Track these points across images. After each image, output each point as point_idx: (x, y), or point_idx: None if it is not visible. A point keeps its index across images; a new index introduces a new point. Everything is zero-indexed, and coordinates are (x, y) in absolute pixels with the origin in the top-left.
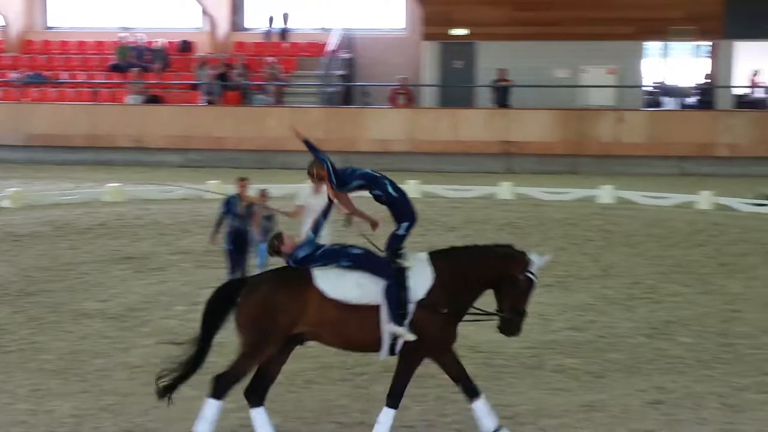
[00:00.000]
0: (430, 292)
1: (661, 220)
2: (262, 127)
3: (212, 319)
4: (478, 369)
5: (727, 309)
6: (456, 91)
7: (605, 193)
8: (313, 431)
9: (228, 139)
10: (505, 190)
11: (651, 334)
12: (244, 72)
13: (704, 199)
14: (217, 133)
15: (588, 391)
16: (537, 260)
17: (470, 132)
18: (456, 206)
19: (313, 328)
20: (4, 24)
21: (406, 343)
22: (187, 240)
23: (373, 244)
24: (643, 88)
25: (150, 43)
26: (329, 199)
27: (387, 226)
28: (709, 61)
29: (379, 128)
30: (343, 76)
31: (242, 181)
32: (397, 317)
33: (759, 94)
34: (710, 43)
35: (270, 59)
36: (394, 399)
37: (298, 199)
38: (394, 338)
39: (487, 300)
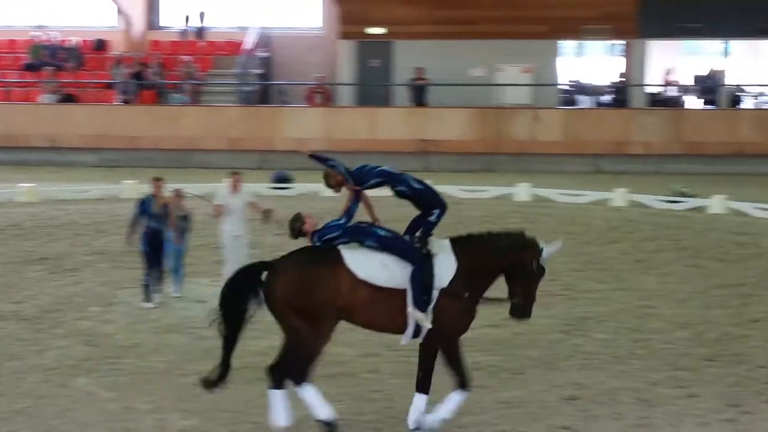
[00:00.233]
0: (453, 280)
1: (577, 217)
2: (178, 126)
3: (234, 309)
4: (397, 367)
5: (642, 305)
6: (373, 90)
7: (522, 191)
8: None
9: (144, 139)
10: None
11: (567, 331)
12: (160, 71)
13: (619, 197)
14: (132, 132)
15: (506, 387)
16: (547, 248)
17: (388, 131)
18: (374, 204)
19: (345, 306)
20: None
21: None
22: (102, 240)
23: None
24: (559, 87)
25: (64, 41)
26: (355, 191)
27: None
28: (623, 59)
29: (297, 127)
30: (260, 74)
31: (157, 181)
32: (421, 303)
33: (672, 92)
34: (624, 42)
35: (186, 58)
36: (424, 384)
37: (217, 198)
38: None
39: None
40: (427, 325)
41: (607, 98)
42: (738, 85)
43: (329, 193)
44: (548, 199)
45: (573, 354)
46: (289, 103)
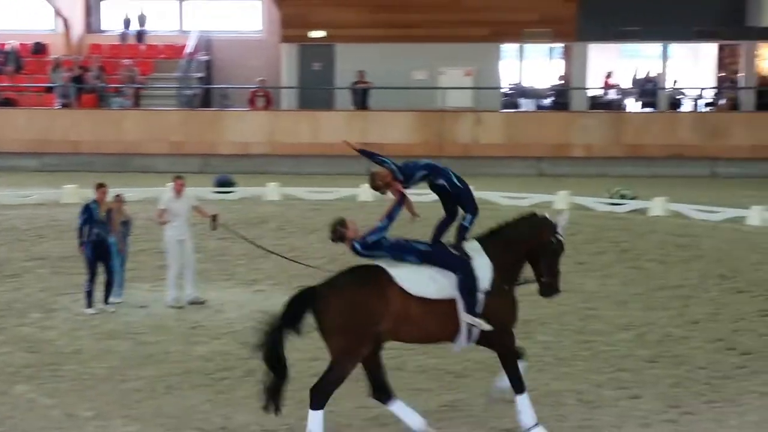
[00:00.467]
0: (493, 279)
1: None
2: (119, 130)
3: (284, 331)
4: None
5: (584, 307)
6: (315, 94)
7: None
8: None
9: (84, 143)
10: (366, 192)
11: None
12: (100, 74)
13: (561, 199)
14: (73, 136)
15: (449, 390)
16: (560, 221)
17: (330, 134)
18: (317, 209)
19: (393, 325)
20: None
21: (483, 331)
22: (43, 246)
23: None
24: (500, 90)
25: (2, 45)
26: (401, 193)
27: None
28: (564, 63)
29: (239, 131)
30: (201, 78)
31: (101, 188)
32: (473, 308)
33: (612, 95)
34: (564, 45)
35: (126, 61)
36: (516, 385)
37: (161, 203)
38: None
39: None
40: (486, 327)
41: (548, 101)
42: (677, 88)
43: (272, 197)
44: (491, 202)
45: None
46: (230, 107)
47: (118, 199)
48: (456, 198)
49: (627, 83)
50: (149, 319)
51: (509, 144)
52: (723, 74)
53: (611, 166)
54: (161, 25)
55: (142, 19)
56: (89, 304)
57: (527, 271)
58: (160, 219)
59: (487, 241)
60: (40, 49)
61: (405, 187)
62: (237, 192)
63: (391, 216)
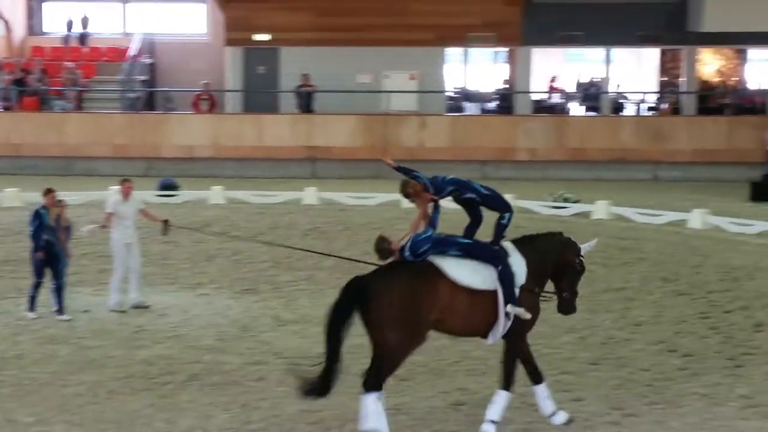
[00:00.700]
0: (527, 277)
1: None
2: (61, 133)
3: (339, 325)
4: (284, 375)
5: None
6: (260, 97)
7: None
8: None
9: (26, 146)
10: (310, 195)
11: (455, 337)
12: (43, 77)
13: None
14: (15, 139)
15: (393, 394)
16: (584, 247)
17: (275, 137)
18: (262, 212)
19: (440, 316)
20: None
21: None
22: None
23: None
24: (445, 94)
25: None
26: (433, 201)
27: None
28: (508, 67)
29: (183, 134)
30: (145, 81)
31: (51, 193)
32: (515, 299)
33: (556, 99)
34: (508, 49)
35: (69, 64)
36: (508, 381)
37: (108, 206)
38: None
39: None
40: (527, 315)
41: (492, 105)
42: (620, 92)
43: (216, 200)
44: None
45: (460, 360)
46: (174, 110)
47: (60, 203)
48: (488, 204)
49: (571, 87)
50: (91, 324)
51: (454, 147)
52: (665, 78)
53: (555, 170)
54: (104, 28)
55: (84, 22)
56: (32, 308)
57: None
58: (107, 223)
59: (521, 244)
60: None
61: (436, 199)
62: (181, 195)
63: (433, 224)
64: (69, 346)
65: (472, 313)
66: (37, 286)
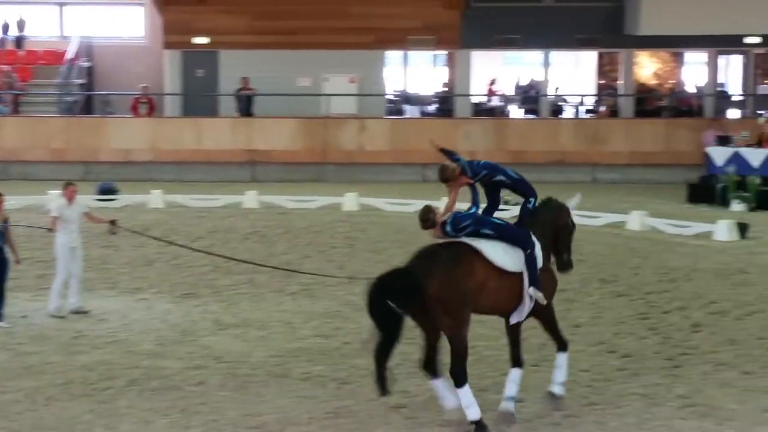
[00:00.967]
0: (543, 258)
1: (406, 226)
2: None
3: (388, 310)
4: (225, 379)
5: None
6: (199, 100)
7: (350, 201)
8: None
9: None
10: (250, 198)
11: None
12: None
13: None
14: None
15: (334, 397)
16: (572, 204)
17: (214, 141)
18: (201, 216)
19: (478, 294)
20: None
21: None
22: None
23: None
24: (385, 97)
25: None
26: (469, 184)
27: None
28: (447, 69)
29: (121, 138)
30: (83, 84)
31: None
32: (538, 283)
33: (495, 102)
34: (448, 52)
35: (5, 67)
36: (562, 342)
37: (52, 210)
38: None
39: None
40: (545, 301)
41: (432, 108)
42: (559, 95)
43: (155, 204)
44: (376, 208)
45: (401, 362)
46: (113, 114)
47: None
48: (516, 187)
49: (510, 90)
50: (29, 330)
51: (394, 150)
52: (603, 81)
53: None
54: (41, 31)
55: (21, 25)
56: None
57: None
58: (53, 226)
59: (529, 226)
60: None
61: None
62: (120, 200)
63: (476, 202)
64: (6, 352)
65: (500, 294)
66: None
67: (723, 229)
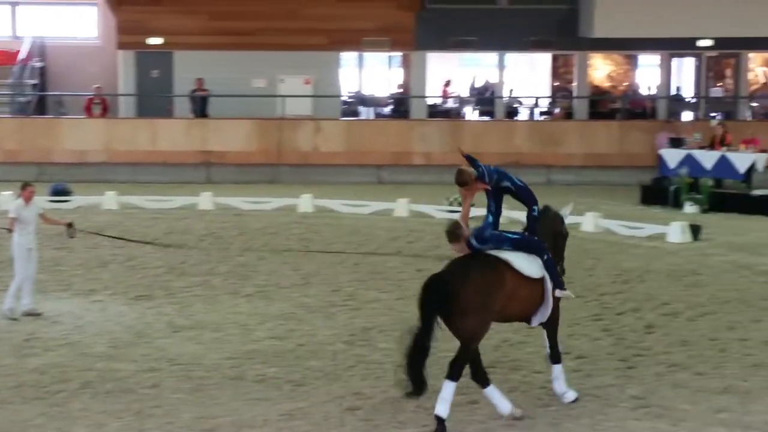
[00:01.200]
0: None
1: (360, 227)
2: None
3: (432, 314)
4: (179, 382)
5: None
6: (153, 101)
7: (305, 202)
8: None
9: None
10: (205, 200)
11: (350, 341)
12: None
13: (401, 207)
14: None
15: (288, 399)
16: (566, 213)
17: (169, 142)
18: (156, 217)
19: (505, 303)
20: None
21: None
22: None
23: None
24: (340, 98)
25: None
26: (485, 190)
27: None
28: (403, 71)
29: (75, 138)
30: (36, 85)
31: None
32: (561, 284)
33: (450, 103)
34: (403, 53)
35: None
36: (556, 354)
37: (10, 211)
38: None
39: None
40: (573, 295)
41: (387, 109)
42: (514, 97)
43: (109, 206)
44: (331, 210)
45: (356, 364)
46: (66, 115)
47: None
48: (519, 194)
49: (465, 92)
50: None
51: (349, 152)
52: (557, 83)
53: (450, 174)
54: None
55: None
56: None
57: None
58: (12, 227)
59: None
60: None
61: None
62: (73, 201)
63: (491, 210)
64: None
65: (525, 301)
66: None
67: (676, 231)
